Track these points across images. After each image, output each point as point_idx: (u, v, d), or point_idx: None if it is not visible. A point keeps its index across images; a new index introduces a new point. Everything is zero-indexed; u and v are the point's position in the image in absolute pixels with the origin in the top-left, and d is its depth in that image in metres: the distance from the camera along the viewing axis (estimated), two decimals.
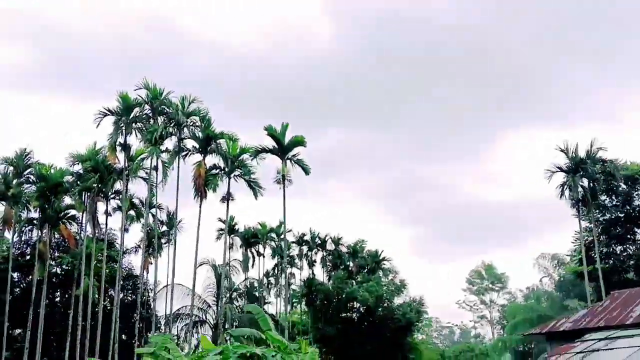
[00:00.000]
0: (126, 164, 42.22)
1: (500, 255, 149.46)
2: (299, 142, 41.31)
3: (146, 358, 15.66)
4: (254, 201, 41.72)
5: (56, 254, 49.73)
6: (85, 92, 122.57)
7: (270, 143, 41.98)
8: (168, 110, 42.01)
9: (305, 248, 60.19)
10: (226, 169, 41.53)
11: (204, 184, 40.54)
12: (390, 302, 51.62)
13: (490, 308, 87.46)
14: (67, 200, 45.70)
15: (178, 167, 41.19)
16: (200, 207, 40.49)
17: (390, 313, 50.00)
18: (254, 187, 41.70)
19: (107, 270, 45.62)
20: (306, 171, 41.95)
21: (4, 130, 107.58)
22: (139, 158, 42.30)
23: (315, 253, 60.49)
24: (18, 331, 49.57)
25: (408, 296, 53.56)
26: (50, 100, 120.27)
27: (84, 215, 45.32)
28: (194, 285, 42.39)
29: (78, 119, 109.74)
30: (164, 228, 52.60)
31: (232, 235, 55.85)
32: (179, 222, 51.89)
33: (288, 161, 41.63)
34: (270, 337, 15.94)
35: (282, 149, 41.34)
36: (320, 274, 59.93)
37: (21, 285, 49.99)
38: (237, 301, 56.56)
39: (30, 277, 48.92)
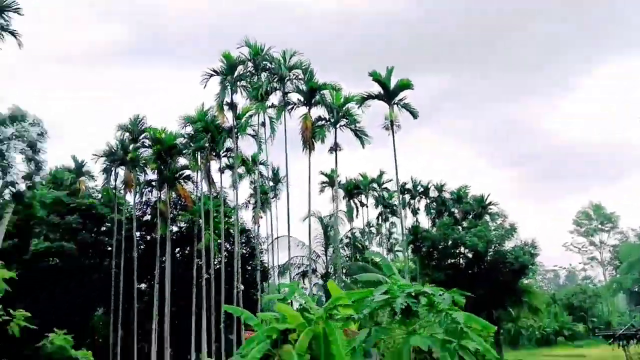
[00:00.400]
0: (234, 122, 43.26)
1: (607, 194, 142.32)
2: (405, 85, 40.27)
3: (278, 304, 15.93)
4: (352, 153, 41.43)
5: (174, 213, 52.44)
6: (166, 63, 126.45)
7: (376, 90, 41.18)
8: (270, 65, 42.30)
9: (407, 196, 59.79)
10: (332, 120, 41.51)
11: (311, 136, 40.83)
12: (501, 246, 50.53)
13: (601, 249, 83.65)
14: (182, 161, 47.83)
15: (284, 121, 41.70)
16: (309, 159, 41.02)
17: (501, 257, 48.97)
18: (361, 135, 41.48)
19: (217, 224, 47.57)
20: (414, 115, 41.02)
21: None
22: (246, 115, 43.18)
23: (418, 201, 60.01)
24: (144, 286, 53.31)
25: (518, 239, 52.17)
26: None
27: (198, 174, 47.29)
28: (310, 235, 43.62)
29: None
30: (271, 184, 53.99)
31: (334, 188, 56.44)
32: (284, 177, 52.99)
33: (395, 106, 40.86)
34: (396, 281, 15.87)
35: (389, 94, 40.52)
36: (424, 222, 59.59)
37: (144, 244, 53.36)
38: (344, 250, 57.60)
39: (152, 235, 52.13)
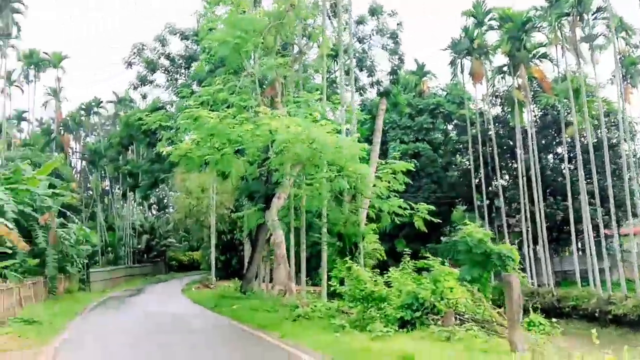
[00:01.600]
0: None
1: None
2: None
3: None
4: None
5: (531, 98, 47.60)
6: None
7: None
8: None
9: None
10: None
11: None
12: None
13: None
14: (538, 37, 42.36)
15: None
16: None
17: None
18: None
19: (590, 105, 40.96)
20: None
21: None
22: None
23: None
24: (503, 182, 50.40)
25: None
26: None
27: (556, 49, 41.28)
28: None
29: None
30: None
31: None
32: None
33: None
34: None
35: None
36: None
37: (498, 137, 49.96)
38: None
39: (505, 126, 48.66)
